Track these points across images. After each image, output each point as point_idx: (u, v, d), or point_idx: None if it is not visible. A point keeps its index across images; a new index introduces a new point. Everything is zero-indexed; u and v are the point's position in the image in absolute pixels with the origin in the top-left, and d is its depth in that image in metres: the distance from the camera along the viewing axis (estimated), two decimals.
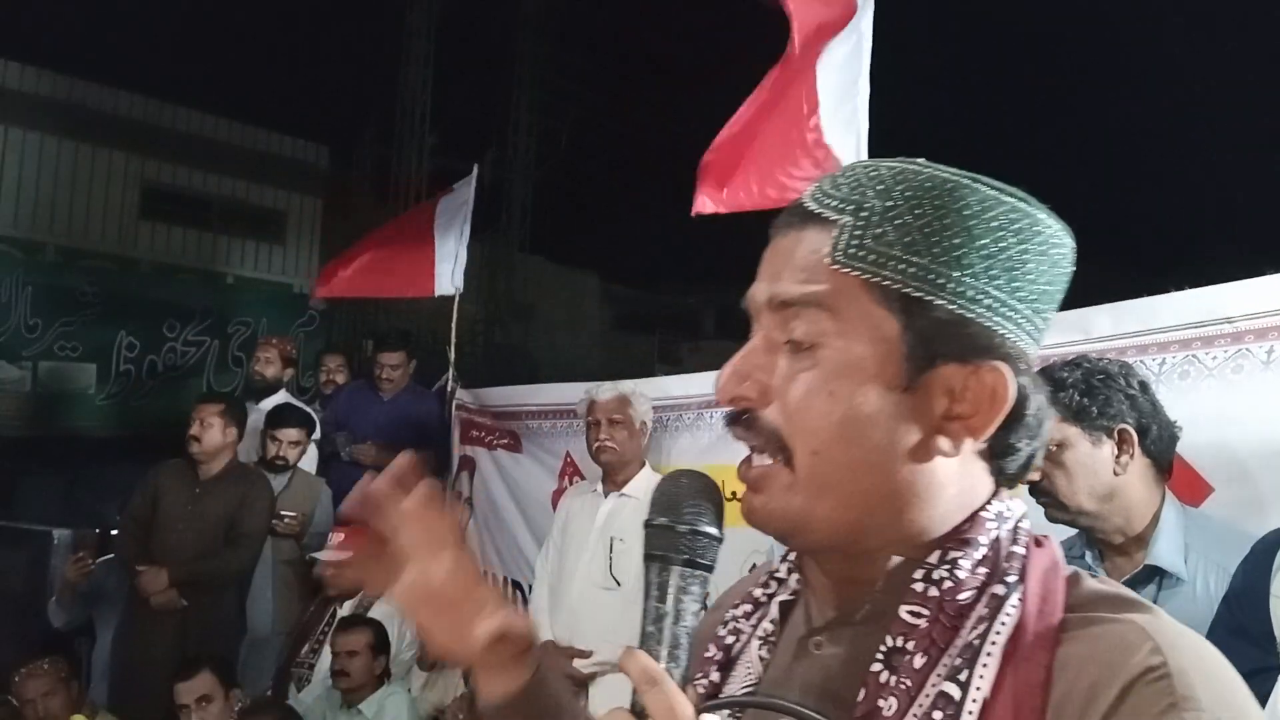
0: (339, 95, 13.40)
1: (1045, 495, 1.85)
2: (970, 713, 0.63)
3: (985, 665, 0.64)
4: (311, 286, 11.39)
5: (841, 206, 0.71)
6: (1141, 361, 2.24)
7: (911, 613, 0.68)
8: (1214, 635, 1.62)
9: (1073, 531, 1.96)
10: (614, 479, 3.36)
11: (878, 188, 0.71)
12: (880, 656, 0.68)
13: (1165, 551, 1.78)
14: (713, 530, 0.70)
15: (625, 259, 17.00)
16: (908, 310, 0.69)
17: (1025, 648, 0.65)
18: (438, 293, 5.11)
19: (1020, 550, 0.71)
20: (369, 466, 4.70)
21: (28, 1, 9.26)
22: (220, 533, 3.97)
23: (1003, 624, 0.66)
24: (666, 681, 0.61)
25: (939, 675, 0.65)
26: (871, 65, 3.24)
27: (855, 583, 0.73)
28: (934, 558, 0.70)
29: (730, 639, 0.80)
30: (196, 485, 4.03)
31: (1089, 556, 1.91)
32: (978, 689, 0.64)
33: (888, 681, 0.67)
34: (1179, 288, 2.32)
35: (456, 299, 5.14)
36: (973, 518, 0.72)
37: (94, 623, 4.30)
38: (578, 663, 3.17)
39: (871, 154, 3.17)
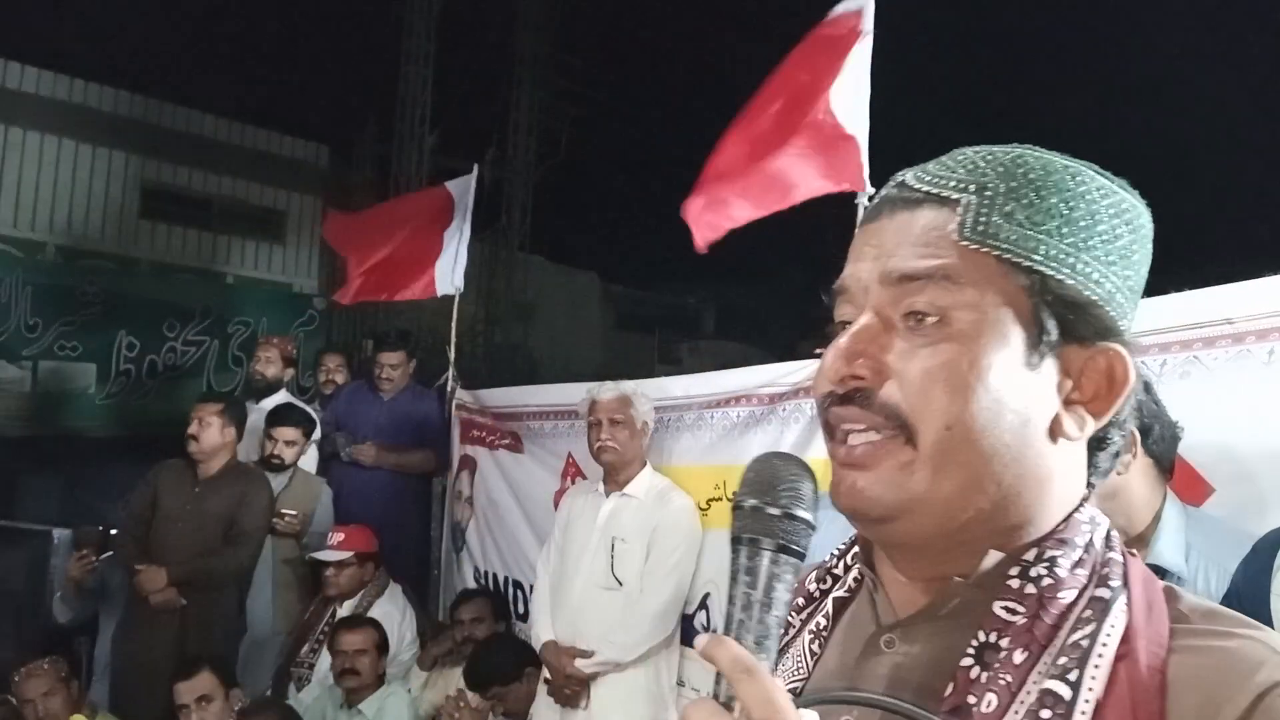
0: (339, 95, 13.41)
1: None
2: (1083, 713, 0.62)
3: (1097, 666, 0.63)
4: (317, 287, 11.43)
5: (962, 186, 0.70)
6: (1143, 362, 2.24)
7: (1007, 609, 0.67)
8: None
9: None
10: (615, 479, 3.36)
11: (998, 169, 0.70)
12: (971, 652, 0.66)
13: (1166, 550, 1.79)
14: (807, 515, 0.67)
15: (625, 259, 17.02)
16: (1039, 287, 0.68)
17: (1137, 652, 0.64)
18: (439, 293, 5.11)
19: (1117, 557, 0.71)
20: (369, 466, 4.70)
21: (28, 2, 9.26)
22: (219, 532, 3.97)
23: (1112, 626, 0.65)
24: (762, 671, 0.59)
25: (1040, 673, 0.64)
26: (872, 65, 3.24)
27: (938, 579, 0.71)
28: (1031, 555, 0.69)
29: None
30: (196, 485, 4.03)
31: None
32: (1090, 689, 0.63)
33: (979, 677, 0.65)
34: (1180, 288, 2.31)
35: (456, 299, 5.14)
36: (1069, 519, 0.71)
37: (99, 619, 4.29)
38: (579, 662, 3.17)
39: (872, 154, 3.18)
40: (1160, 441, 1.83)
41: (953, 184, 0.70)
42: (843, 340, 0.71)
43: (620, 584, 3.23)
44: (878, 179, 2.82)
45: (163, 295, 10.38)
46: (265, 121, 11.54)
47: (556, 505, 3.74)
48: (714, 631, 0.63)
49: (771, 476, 0.68)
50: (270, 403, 4.81)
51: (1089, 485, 0.74)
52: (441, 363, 5.18)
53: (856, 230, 0.76)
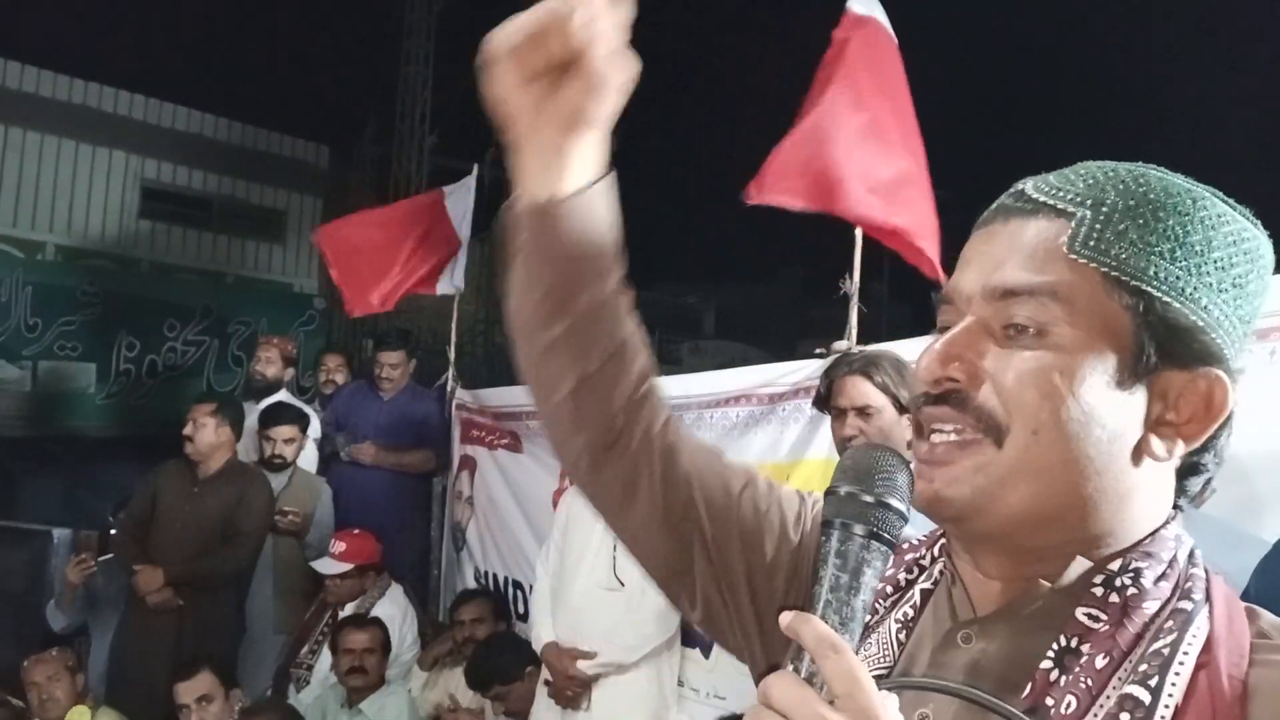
0: (339, 95, 13.42)
1: None
2: (1163, 718, 0.63)
3: (1178, 674, 0.64)
4: (317, 287, 11.41)
5: (1080, 200, 0.69)
6: None
7: (1089, 615, 0.68)
8: None
9: None
10: None
11: (1119, 186, 0.70)
12: (1052, 655, 0.67)
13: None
14: (901, 505, 0.68)
15: (625, 259, 17.01)
16: (1144, 309, 0.68)
17: (1218, 662, 0.65)
18: (438, 291, 5.11)
19: (1200, 573, 0.71)
20: (369, 466, 4.70)
21: (28, 1, 9.26)
22: (218, 532, 3.97)
23: (1194, 637, 0.66)
24: (847, 650, 0.60)
25: (1120, 679, 0.65)
26: None
27: (1019, 579, 0.72)
28: (1116, 565, 0.70)
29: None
30: (195, 485, 4.03)
31: None
32: (1170, 695, 0.63)
33: (1058, 680, 0.66)
34: None
35: (456, 299, 5.14)
36: (1155, 534, 0.72)
37: (90, 627, 4.30)
38: (581, 664, 3.16)
39: None
40: None
41: (1070, 196, 0.70)
42: (938, 344, 0.72)
43: (622, 585, 3.22)
44: None
45: (163, 295, 10.38)
46: (265, 121, 11.54)
47: (556, 505, 3.74)
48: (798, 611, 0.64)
49: (869, 465, 0.69)
50: (269, 403, 4.81)
51: (1176, 507, 0.74)
52: (441, 363, 5.18)
53: (972, 234, 0.76)
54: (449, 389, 4.88)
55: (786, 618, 0.62)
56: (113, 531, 4.38)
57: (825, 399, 2.43)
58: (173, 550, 3.89)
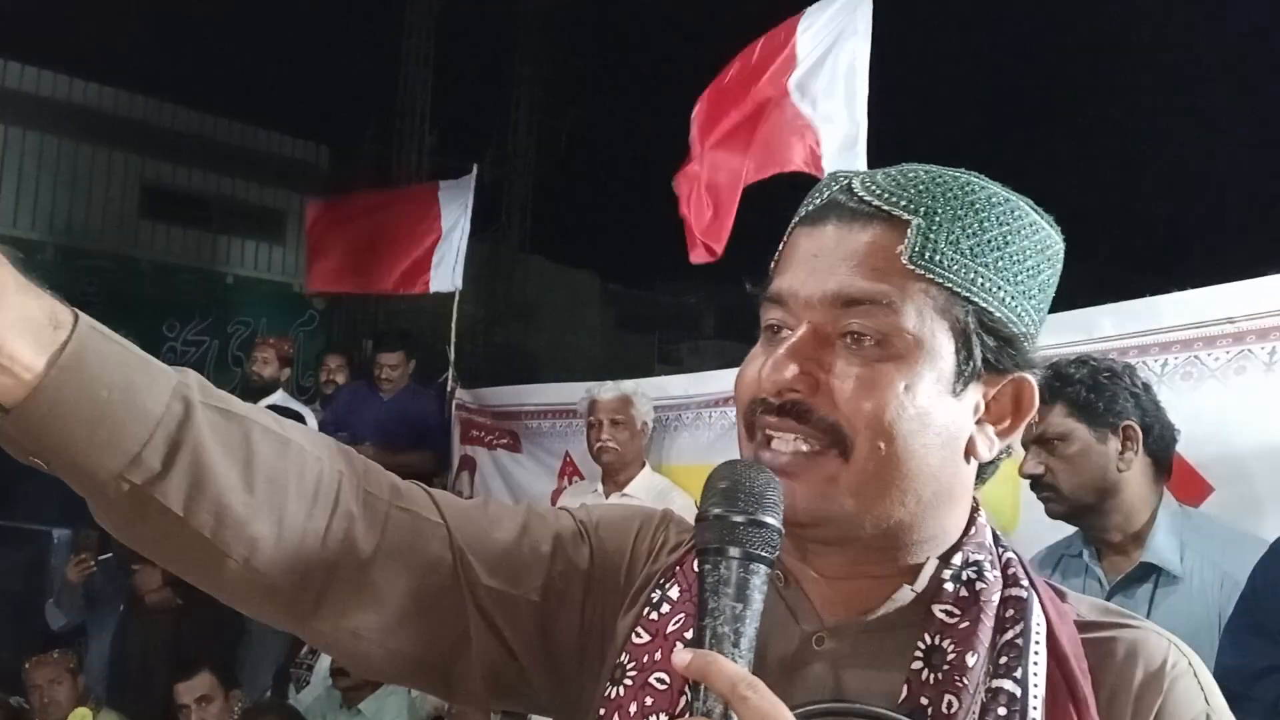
0: (339, 95, 13.41)
1: (1047, 489, 1.86)
2: (1034, 708, 0.66)
3: (1036, 664, 0.68)
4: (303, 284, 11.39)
5: (912, 207, 0.70)
6: (1143, 362, 2.24)
7: (946, 612, 0.70)
8: (1231, 632, 1.62)
9: (1070, 530, 1.97)
10: (615, 479, 3.35)
11: (946, 194, 0.71)
12: (919, 655, 0.69)
13: (1161, 549, 1.80)
14: (774, 521, 0.66)
15: (625, 259, 17.01)
16: (973, 319, 0.70)
17: (1062, 646, 0.69)
18: (433, 289, 5.11)
19: (1013, 555, 0.75)
20: None
21: (28, 1, 9.26)
22: None
23: (1039, 624, 0.70)
24: (763, 686, 0.58)
25: (988, 673, 0.68)
26: (871, 63, 3.25)
27: (864, 579, 0.73)
28: (958, 559, 0.73)
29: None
30: None
31: (1086, 555, 1.91)
32: (1035, 684, 0.67)
33: (929, 679, 0.67)
34: (1181, 288, 2.31)
35: (456, 298, 5.14)
36: (975, 524, 0.75)
37: (88, 626, 4.30)
38: None
39: (871, 150, 3.18)
40: (1160, 441, 1.84)
41: (903, 203, 0.71)
42: (780, 351, 0.71)
43: None
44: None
45: (163, 295, 10.39)
46: (265, 121, 11.54)
47: (554, 505, 3.74)
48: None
49: (735, 483, 0.67)
50: (266, 403, 4.81)
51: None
52: (441, 363, 5.17)
53: (796, 223, 0.76)
54: (449, 389, 4.88)
55: (684, 657, 0.59)
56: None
57: None
58: None
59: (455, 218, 5.05)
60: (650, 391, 3.49)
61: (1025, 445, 1.90)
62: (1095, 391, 1.81)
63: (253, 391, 5.07)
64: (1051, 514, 1.90)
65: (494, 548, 0.79)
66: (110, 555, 4.24)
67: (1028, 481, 1.90)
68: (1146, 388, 1.86)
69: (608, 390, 3.36)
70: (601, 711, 0.74)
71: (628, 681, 0.74)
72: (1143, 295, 2.37)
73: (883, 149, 3.09)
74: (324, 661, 3.76)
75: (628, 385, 3.40)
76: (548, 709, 0.83)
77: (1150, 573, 1.80)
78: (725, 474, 0.68)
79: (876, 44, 3.26)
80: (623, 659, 0.76)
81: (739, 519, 0.65)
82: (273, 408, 4.65)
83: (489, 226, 12.65)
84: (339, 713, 3.53)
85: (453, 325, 5.16)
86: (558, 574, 0.80)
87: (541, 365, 13.45)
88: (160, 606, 3.83)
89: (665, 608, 0.77)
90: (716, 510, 0.65)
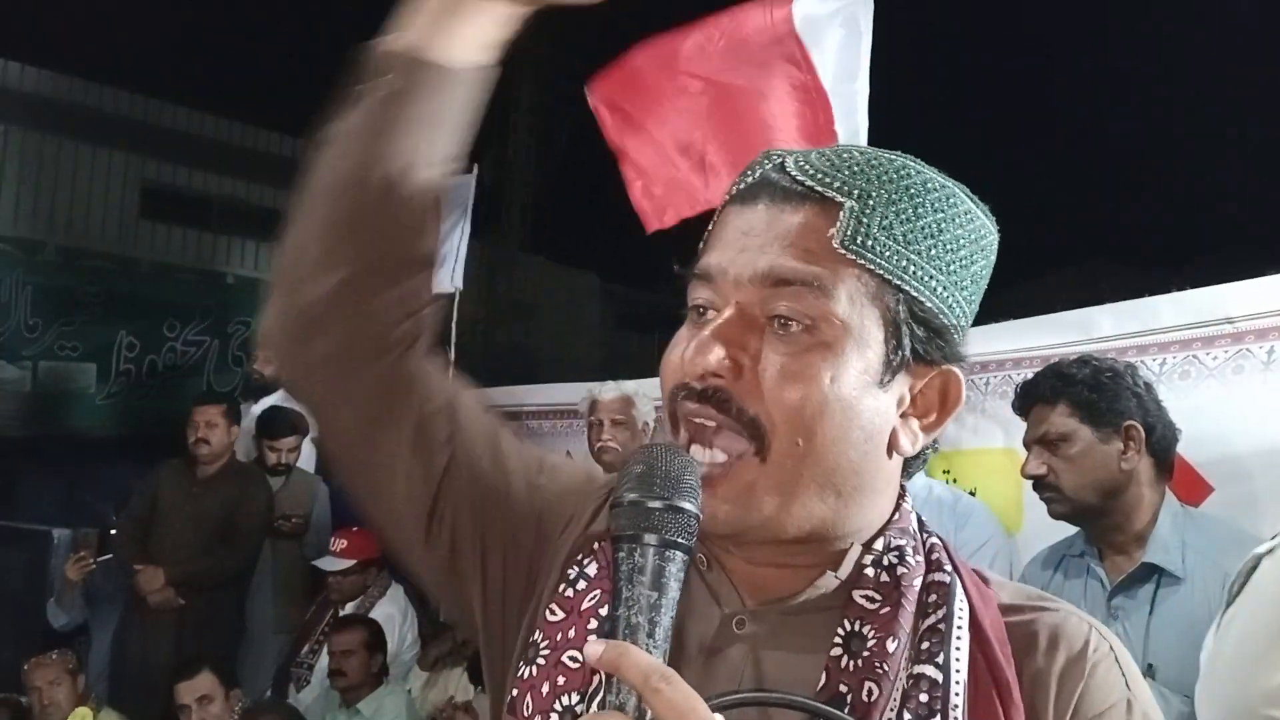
0: (339, 95, 13.42)
1: (1050, 489, 1.86)
2: (956, 694, 0.65)
3: (958, 649, 0.67)
4: None
5: (845, 189, 0.68)
6: (1142, 362, 2.24)
7: (866, 597, 0.69)
8: None
9: (1072, 530, 1.97)
10: None
11: (881, 177, 0.69)
12: (839, 641, 0.67)
13: (1163, 550, 1.79)
14: (691, 506, 0.63)
15: (625, 259, 17.00)
16: (904, 307, 0.69)
17: (985, 630, 0.68)
18: (435, 290, 5.10)
19: (937, 540, 0.74)
20: None
21: (28, 1, 9.26)
22: (218, 532, 3.98)
23: (961, 611, 0.69)
24: (677, 678, 0.55)
25: (909, 659, 0.67)
26: (871, 62, 3.25)
27: (788, 567, 0.72)
28: (880, 545, 0.72)
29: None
30: (194, 484, 4.04)
31: (1088, 555, 1.91)
32: (957, 670, 0.66)
33: (849, 666, 0.66)
34: (1180, 288, 2.32)
35: (456, 298, 5.14)
36: (899, 509, 0.74)
37: (90, 625, 4.30)
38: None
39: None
40: (1161, 441, 1.84)
41: (836, 185, 0.69)
42: (705, 333, 0.69)
43: None
44: None
45: (163, 295, 10.38)
46: (265, 121, 11.55)
47: None
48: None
49: (651, 468, 0.64)
50: (267, 402, 4.81)
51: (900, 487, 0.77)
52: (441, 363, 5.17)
53: (727, 201, 0.74)
54: None
55: (596, 649, 0.57)
56: (113, 531, 4.38)
57: None
58: (173, 550, 3.90)
59: (455, 218, 5.05)
60: (651, 391, 3.48)
61: (1028, 446, 1.91)
62: (1098, 392, 1.81)
63: (253, 391, 5.08)
64: (1054, 514, 1.90)
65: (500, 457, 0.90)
66: (110, 555, 4.25)
67: (1031, 482, 1.90)
68: (1148, 387, 1.86)
69: (609, 390, 3.36)
70: (515, 692, 0.72)
71: (540, 661, 0.72)
72: (1142, 295, 2.37)
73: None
74: (324, 661, 3.76)
75: (629, 385, 3.40)
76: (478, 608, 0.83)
77: (1152, 573, 1.80)
78: (641, 458, 0.65)
79: (877, 44, 3.26)
80: (536, 636, 0.74)
81: (655, 504, 0.62)
82: (273, 407, 4.69)
83: (489, 226, 12.65)
84: (338, 712, 3.53)
85: (453, 325, 5.16)
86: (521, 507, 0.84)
87: (542, 365, 13.44)
88: (163, 606, 3.83)
89: (581, 584, 0.75)
90: (632, 496, 0.63)
